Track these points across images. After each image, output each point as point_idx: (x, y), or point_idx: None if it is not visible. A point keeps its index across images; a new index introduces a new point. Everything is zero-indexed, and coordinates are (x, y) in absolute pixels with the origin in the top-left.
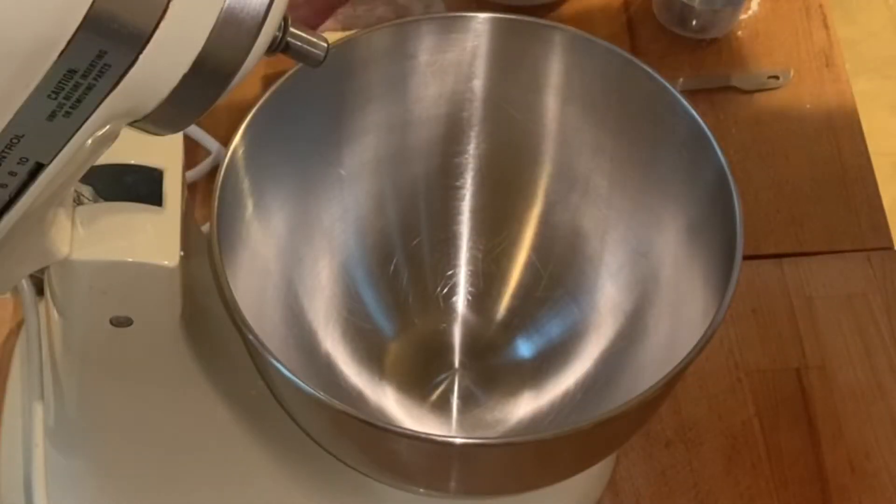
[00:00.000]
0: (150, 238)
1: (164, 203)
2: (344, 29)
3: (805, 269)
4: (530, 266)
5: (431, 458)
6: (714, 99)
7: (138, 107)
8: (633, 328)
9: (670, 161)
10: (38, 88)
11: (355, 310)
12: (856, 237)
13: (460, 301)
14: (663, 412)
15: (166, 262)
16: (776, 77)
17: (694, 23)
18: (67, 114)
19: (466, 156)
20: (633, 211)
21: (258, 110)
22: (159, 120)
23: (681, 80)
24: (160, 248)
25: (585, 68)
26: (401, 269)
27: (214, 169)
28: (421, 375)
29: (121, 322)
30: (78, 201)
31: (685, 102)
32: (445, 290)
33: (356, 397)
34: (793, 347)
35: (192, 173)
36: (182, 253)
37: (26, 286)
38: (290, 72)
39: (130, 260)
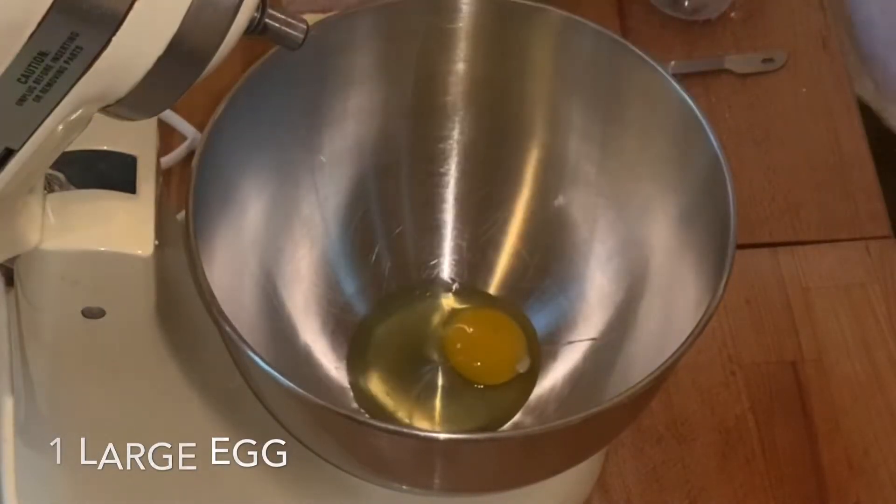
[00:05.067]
0: (123, 227)
1: (137, 190)
2: (324, 11)
3: (801, 258)
4: (517, 255)
5: (414, 455)
6: (707, 82)
7: (111, 90)
8: (623, 319)
9: (662, 147)
10: (7, 72)
11: (336, 300)
12: (853, 225)
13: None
14: (654, 407)
15: (140, 252)
16: (771, 60)
17: (686, 3)
18: (38, 98)
19: (451, 141)
20: (624, 198)
21: (235, 94)
22: (133, 104)
23: (672, 62)
24: (133, 237)
25: (574, 51)
26: (383, 259)
27: (190, 155)
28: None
29: (93, 314)
30: (49, 188)
31: (677, 86)
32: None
33: (336, 391)
34: (788, 339)
35: (167, 159)
36: (156, 242)
37: None
38: (268, 54)
39: (103, 249)
